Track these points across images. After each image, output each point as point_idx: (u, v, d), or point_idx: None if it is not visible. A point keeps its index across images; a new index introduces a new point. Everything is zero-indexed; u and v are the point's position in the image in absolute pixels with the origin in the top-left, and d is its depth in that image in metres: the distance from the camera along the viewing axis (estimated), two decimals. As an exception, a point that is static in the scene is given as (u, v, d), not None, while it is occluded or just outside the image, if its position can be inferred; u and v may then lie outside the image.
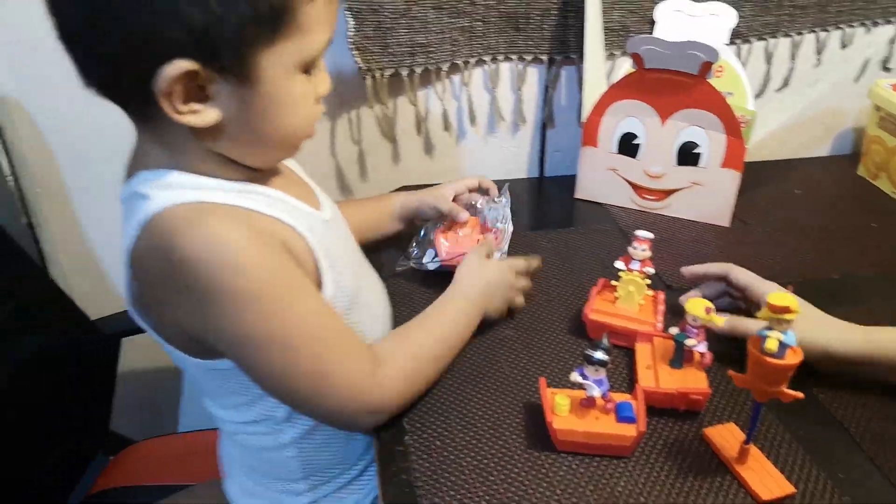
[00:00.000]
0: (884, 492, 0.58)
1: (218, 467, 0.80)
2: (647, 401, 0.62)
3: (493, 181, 0.93)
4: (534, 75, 1.08)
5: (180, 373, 1.17)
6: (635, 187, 1.01)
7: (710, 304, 0.63)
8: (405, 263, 0.84)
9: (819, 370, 0.65)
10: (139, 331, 0.65)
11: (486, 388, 0.68)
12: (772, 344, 0.51)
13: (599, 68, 1.03)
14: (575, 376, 0.60)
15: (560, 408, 0.61)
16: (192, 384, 1.20)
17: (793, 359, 0.52)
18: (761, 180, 1.08)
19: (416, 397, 0.65)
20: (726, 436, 0.61)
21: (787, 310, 0.51)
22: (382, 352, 0.63)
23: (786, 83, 1.15)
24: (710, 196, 0.97)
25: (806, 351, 0.53)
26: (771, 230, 0.97)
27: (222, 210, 0.56)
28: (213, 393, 0.68)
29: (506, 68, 1.07)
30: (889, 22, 1.13)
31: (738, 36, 1.08)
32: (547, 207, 1.10)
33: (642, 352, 0.69)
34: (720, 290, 0.76)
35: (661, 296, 0.76)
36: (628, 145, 0.98)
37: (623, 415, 0.60)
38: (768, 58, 1.13)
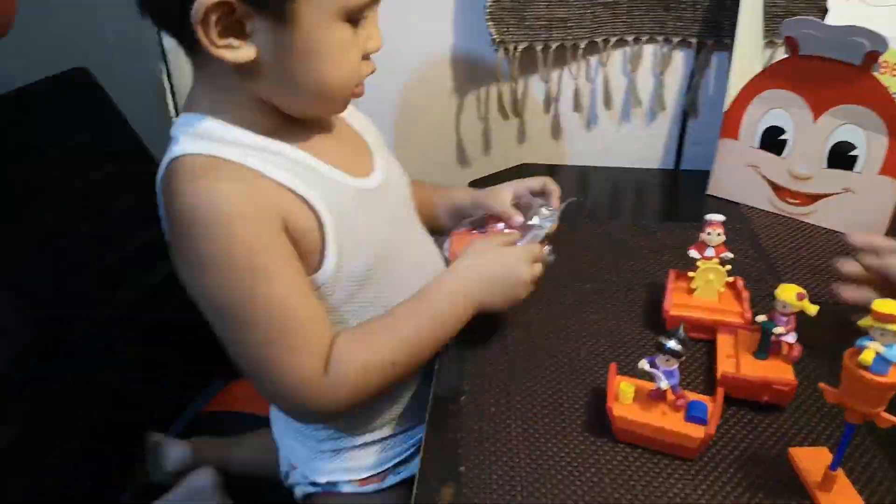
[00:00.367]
0: None
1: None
2: (726, 389, 0.57)
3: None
4: (679, 60, 1.01)
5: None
6: (776, 188, 0.92)
7: (802, 290, 0.57)
8: None
9: None
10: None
11: (556, 367, 0.66)
12: (868, 356, 0.44)
13: (753, 55, 0.94)
14: (644, 364, 0.56)
15: (624, 395, 0.57)
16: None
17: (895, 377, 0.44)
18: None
19: (361, 403, 0.61)
20: (814, 459, 0.54)
21: (893, 318, 0.44)
22: (339, 353, 0.59)
23: None
24: (863, 206, 0.85)
25: None
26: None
27: (230, 171, 0.56)
28: None
29: (649, 50, 1.01)
30: None
31: (928, 31, 0.94)
32: (675, 202, 1.03)
33: (724, 342, 0.63)
34: None
35: (741, 282, 0.69)
36: (773, 141, 0.89)
37: (693, 414, 0.55)
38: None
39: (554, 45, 0.98)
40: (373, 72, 0.61)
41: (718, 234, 0.67)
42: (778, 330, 0.58)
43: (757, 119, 0.89)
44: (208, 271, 0.55)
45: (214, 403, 1.07)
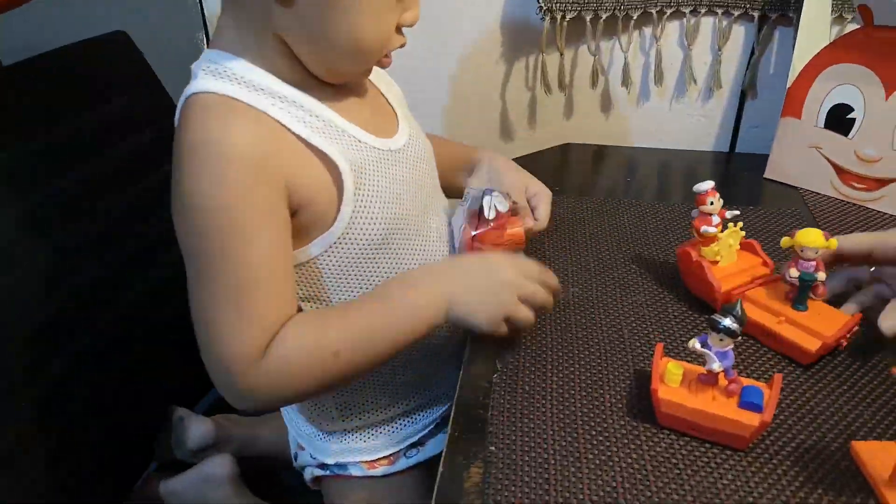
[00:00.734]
0: None
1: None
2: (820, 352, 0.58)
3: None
4: (739, 34, 0.96)
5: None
6: (841, 171, 0.86)
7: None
8: None
9: None
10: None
11: (596, 346, 0.62)
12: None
13: (821, 29, 0.88)
14: (695, 343, 0.52)
15: (671, 376, 0.52)
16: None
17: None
18: None
19: (292, 402, 0.58)
20: (881, 453, 0.49)
21: None
22: (285, 339, 0.55)
23: None
24: (938, 192, 0.79)
25: None
26: None
27: (246, 115, 0.54)
28: None
29: (707, 23, 0.96)
30: None
31: None
32: (729, 185, 0.97)
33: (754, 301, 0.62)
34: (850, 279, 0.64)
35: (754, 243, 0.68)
36: (840, 120, 0.84)
37: (748, 399, 0.50)
38: None
39: (604, 15, 0.93)
40: (402, 45, 0.59)
41: (717, 199, 0.63)
42: (821, 276, 0.59)
43: (823, 96, 0.84)
44: (190, 212, 0.53)
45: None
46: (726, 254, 0.66)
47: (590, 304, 0.67)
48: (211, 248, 0.53)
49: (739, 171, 0.99)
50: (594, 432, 0.53)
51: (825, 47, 0.82)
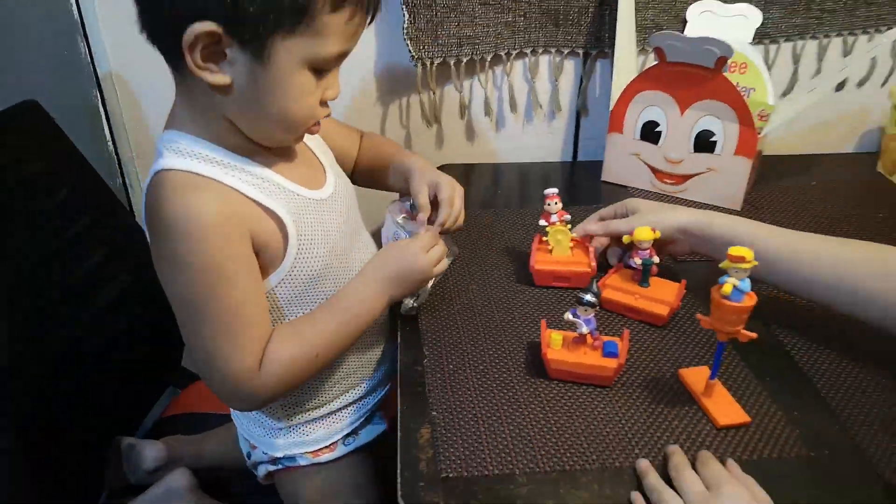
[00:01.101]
0: (832, 431, 0.66)
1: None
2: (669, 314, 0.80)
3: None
4: (570, 67, 1.18)
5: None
6: (655, 172, 1.10)
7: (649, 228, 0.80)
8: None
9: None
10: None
11: (497, 330, 0.80)
12: (727, 288, 0.61)
13: (630, 61, 1.12)
14: (568, 316, 0.71)
15: (555, 342, 0.72)
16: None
17: (748, 302, 0.61)
18: (782, 173, 1.15)
19: (292, 389, 0.74)
20: (697, 375, 0.71)
21: (742, 259, 0.60)
22: (271, 350, 0.68)
23: (812, 83, 1.21)
24: (724, 181, 1.05)
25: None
26: (780, 216, 1.04)
27: (207, 187, 0.65)
28: None
29: (545, 60, 1.17)
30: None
31: (766, 37, 1.16)
32: (577, 188, 1.20)
33: (613, 291, 0.83)
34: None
35: (587, 240, 0.89)
36: (650, 133, 1.07)
37: (608, 350, 0.71)
38: (796, 59, 1.19)
39: (465, 59, 1.12)
40: (328, 115, 0.70)
41: (556, 203, 0.86)
42: (655, 259, 0.82)
43: (637, 115, 1.07)
44: (181, 272, 0.64)
45: (172, 408, 1.14)
46: (557, 245, 0.87)
47: (487, 299, 0.85)
48: (203, 296, 0.65)
49: (582, 176, 1.22)
50: (506, 390, 0.71)
51: (634, 79, 1.05)
